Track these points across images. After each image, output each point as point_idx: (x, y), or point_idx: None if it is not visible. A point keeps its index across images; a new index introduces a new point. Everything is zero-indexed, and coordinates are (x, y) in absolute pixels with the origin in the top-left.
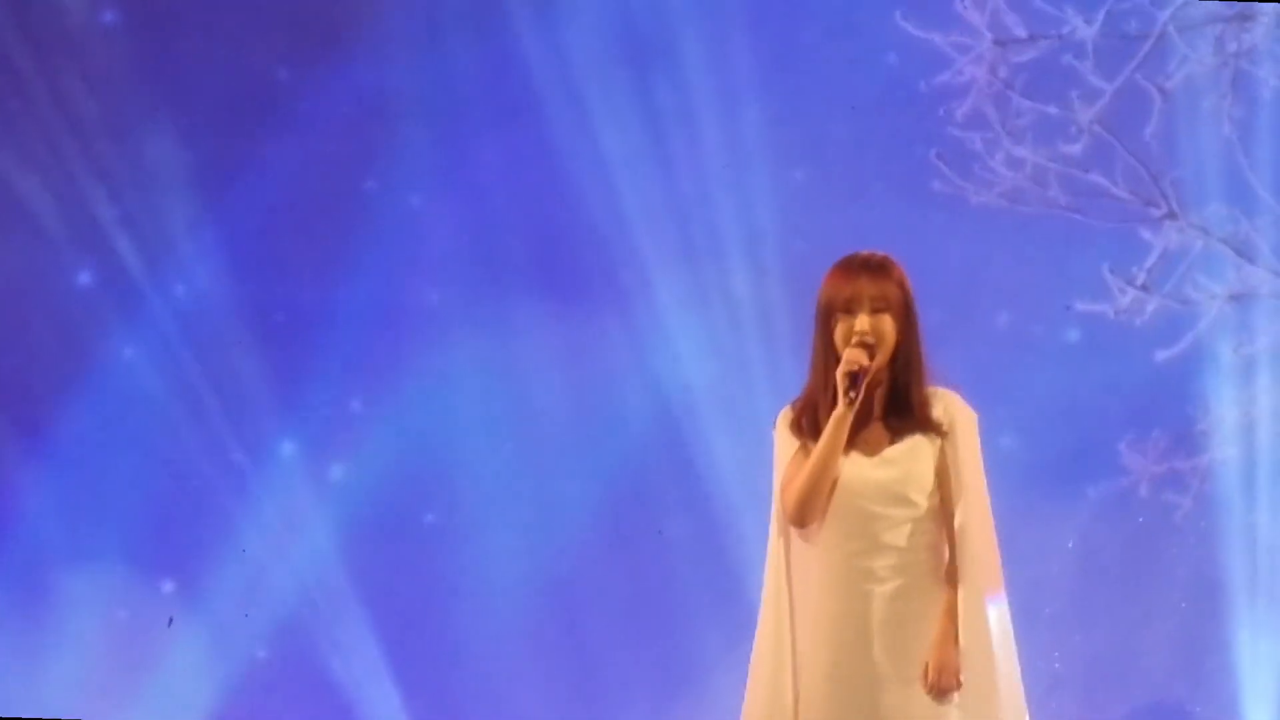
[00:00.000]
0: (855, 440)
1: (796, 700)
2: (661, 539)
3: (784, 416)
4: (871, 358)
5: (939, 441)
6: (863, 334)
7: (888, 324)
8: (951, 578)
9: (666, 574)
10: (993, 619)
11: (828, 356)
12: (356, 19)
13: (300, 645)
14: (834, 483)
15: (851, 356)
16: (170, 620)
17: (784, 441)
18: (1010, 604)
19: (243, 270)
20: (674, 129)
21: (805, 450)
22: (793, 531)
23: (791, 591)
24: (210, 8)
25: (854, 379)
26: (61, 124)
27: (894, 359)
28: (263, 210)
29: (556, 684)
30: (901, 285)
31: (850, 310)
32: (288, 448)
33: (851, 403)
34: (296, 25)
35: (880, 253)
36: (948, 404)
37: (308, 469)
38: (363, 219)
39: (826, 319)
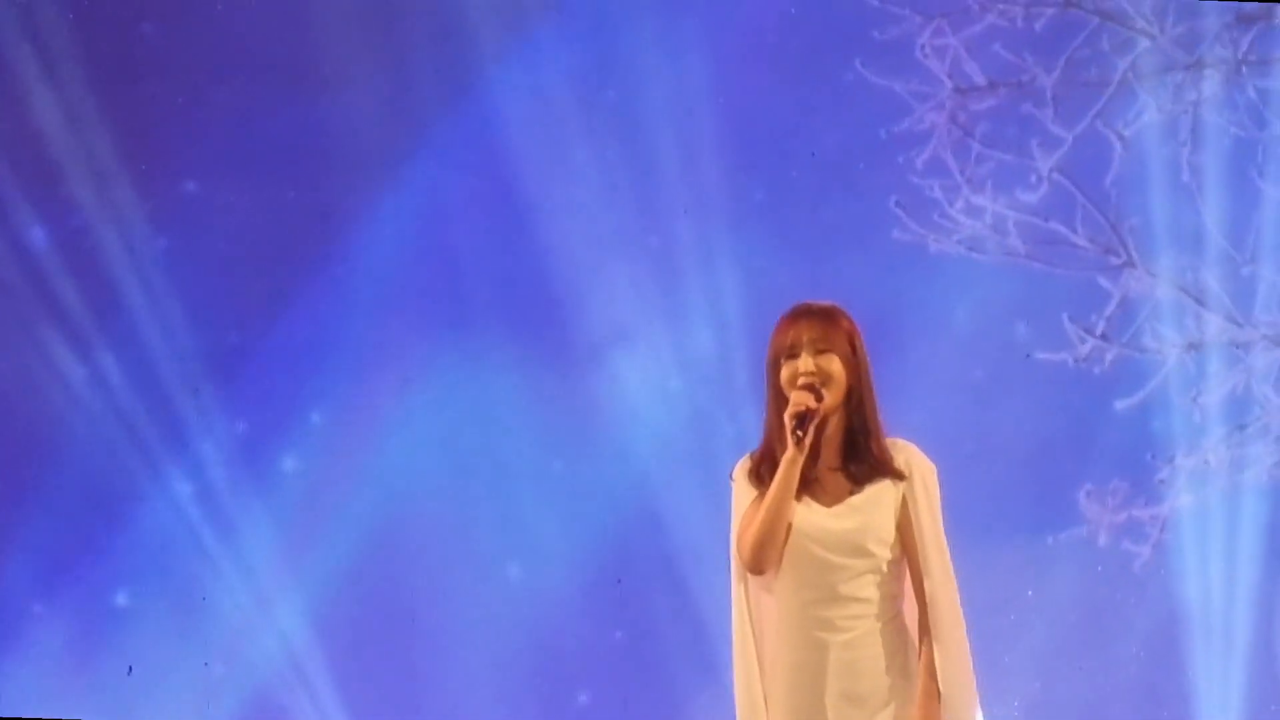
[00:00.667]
0: (814, 490)
1: None
2: (621, 588)
3: (742, 466)
4: (819, 399)
5: (900, 491)
6: (807, 374)
7: (835, 364)
8: (924, 632)
9: (626, 622)
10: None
11: (779, 404)
12: (315, 55)
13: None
14: (789, 528)
15: (797, 398)
16: (130, 669)
17: (742, 490)
18: (970, 652)
19: (204, 308)
20: (633, 177)
21: (761, 499)
22: (751, 579)
23: (757, 638)
24: (165, 44)
25: (801, 419)
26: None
27: (847, 404)
28: (224, 245)
29: None
30: (848, 332)
31: (794, 354)
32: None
33: (799, 442)
34: (255, 62)
35: (826, 301)
36: (908, 455)
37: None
38: (325, 261)
39: (774, 367)
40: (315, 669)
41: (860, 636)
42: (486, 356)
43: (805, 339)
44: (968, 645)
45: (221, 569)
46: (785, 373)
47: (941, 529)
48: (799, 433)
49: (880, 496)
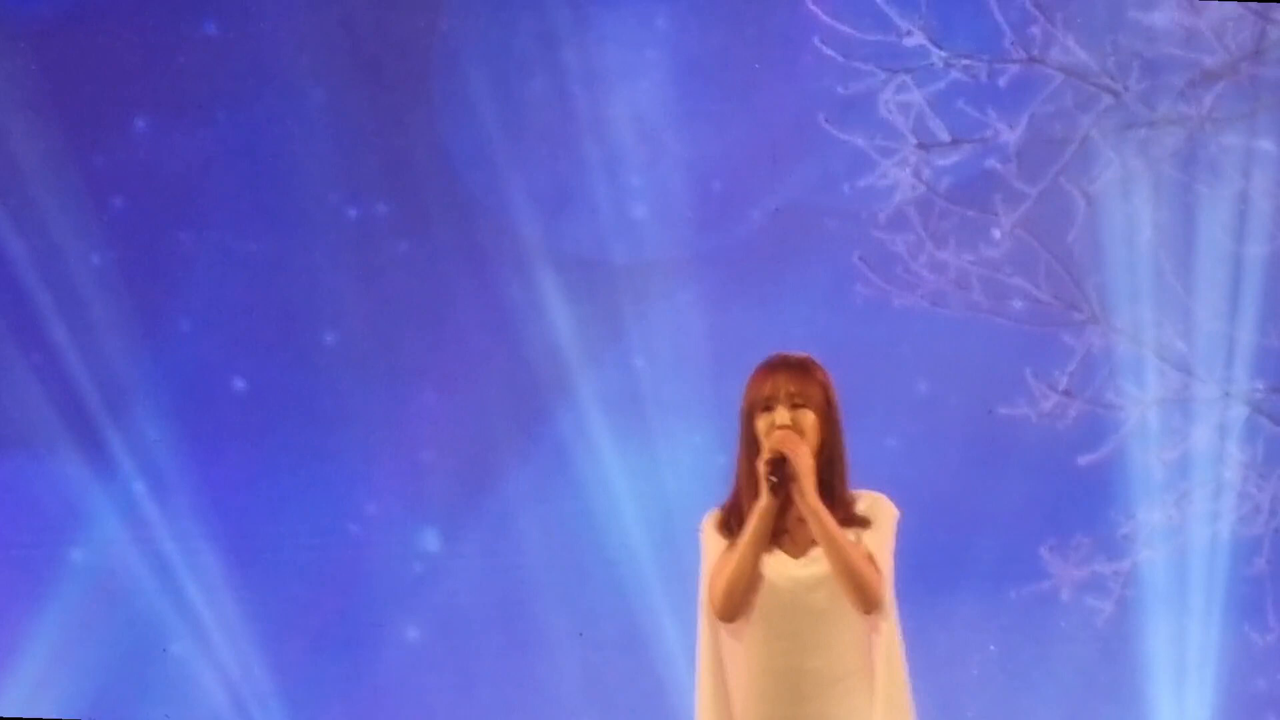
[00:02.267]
0: (782, 540)
1: None
2: (582, 640)
3: (710, 518)
4: (797, 447)
5: (862, 536)
6: (783, 427)
7: (809, 419)
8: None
9: (587, 676)
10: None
11: (751, 456)
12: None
13: None
14: (760, 577)
15: (773, 444)
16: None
17: (711, 541)
18: (933, 706)
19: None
20: (596, 227)
21: (732, 548)
22: (721, 630)
23: (725, 690)
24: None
25: (776, 468)
26: None
27: (818, 456)
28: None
29: None
30: (823, 385)
31: (770, 407)
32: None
33: (773, 489)
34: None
35: (803, 354)
36: (872, 501)
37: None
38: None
39: (749, 418)
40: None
41: (830, 685)
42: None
43: (782, 392)
44: (907, 691)
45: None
46: (761, 424)
47: (890, 570)
48: (772, 479)
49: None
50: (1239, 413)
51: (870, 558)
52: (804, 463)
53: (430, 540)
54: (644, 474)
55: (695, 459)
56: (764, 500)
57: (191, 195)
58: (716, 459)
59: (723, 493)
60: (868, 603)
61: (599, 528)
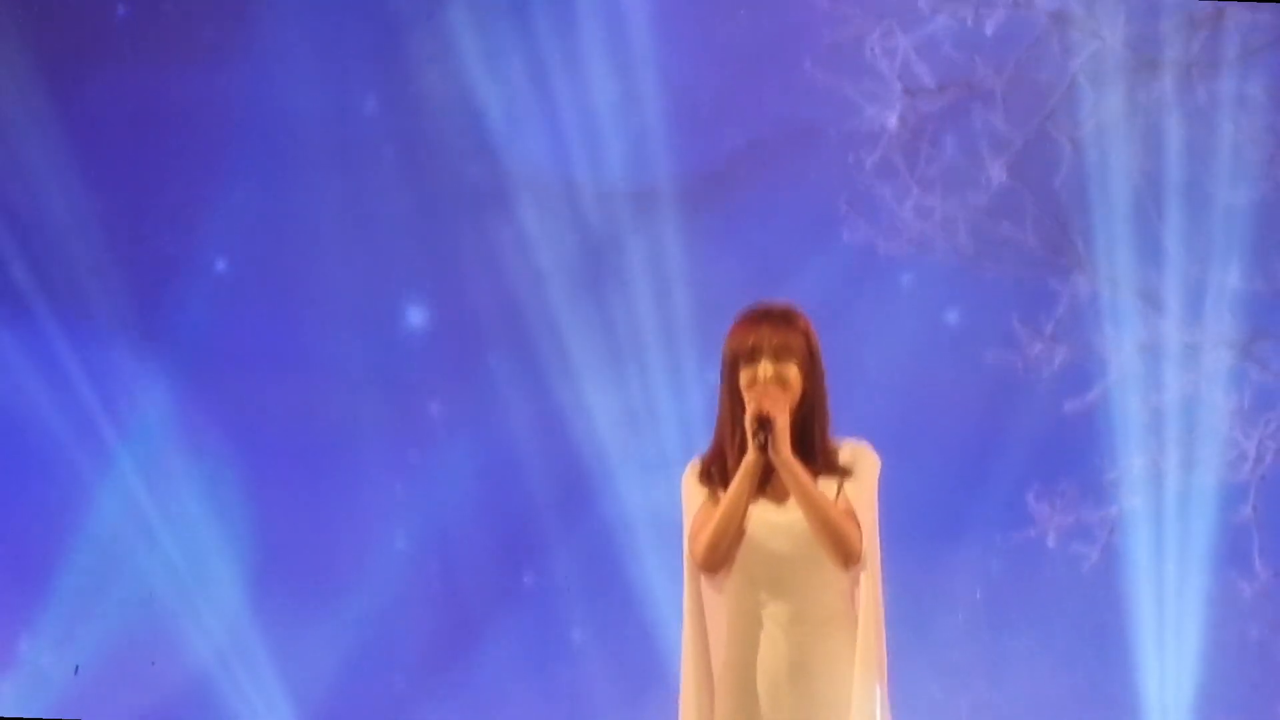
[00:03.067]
0: (762, 488)
1: None
2: (568, 591)
3: (692, 468)
4: (776, 405)
5: (842, 485)
6: (767, 380)
7: (791, 372)
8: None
9: (571, 622)
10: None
11: (734, 407)
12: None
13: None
14: (743, 528)
15: (756, 403)
16: (76, 669)
17: (692, 491)
18: (919, 651)
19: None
20: (581, 171)
21: (714, 498)
22: (704, 580)
23: (706, 639)
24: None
25: (764, 425)
26: None
27: (799, 407)
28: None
29: None
30: (806, 334)
31: (753, 359)
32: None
33: (762, 448)
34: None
35: (785, 302)
36: (855, 450)
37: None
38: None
39: (732, 369)
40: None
41: (811, 634)
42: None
43: (766, 344)
44: (881, 635)
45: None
46: (744, 377)
47: (873, 518)
48: (760, 437)
49: (825, 491)
50: (1225, 359)
51: (849, 512)
52: (781, 420)
53: (414, 456)
54: (630, 420)
55: (681, 409)
56: (751, 455)
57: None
58: (701, 411)
59: (703, 428)
60: (845, 557)
61: (586, 475)
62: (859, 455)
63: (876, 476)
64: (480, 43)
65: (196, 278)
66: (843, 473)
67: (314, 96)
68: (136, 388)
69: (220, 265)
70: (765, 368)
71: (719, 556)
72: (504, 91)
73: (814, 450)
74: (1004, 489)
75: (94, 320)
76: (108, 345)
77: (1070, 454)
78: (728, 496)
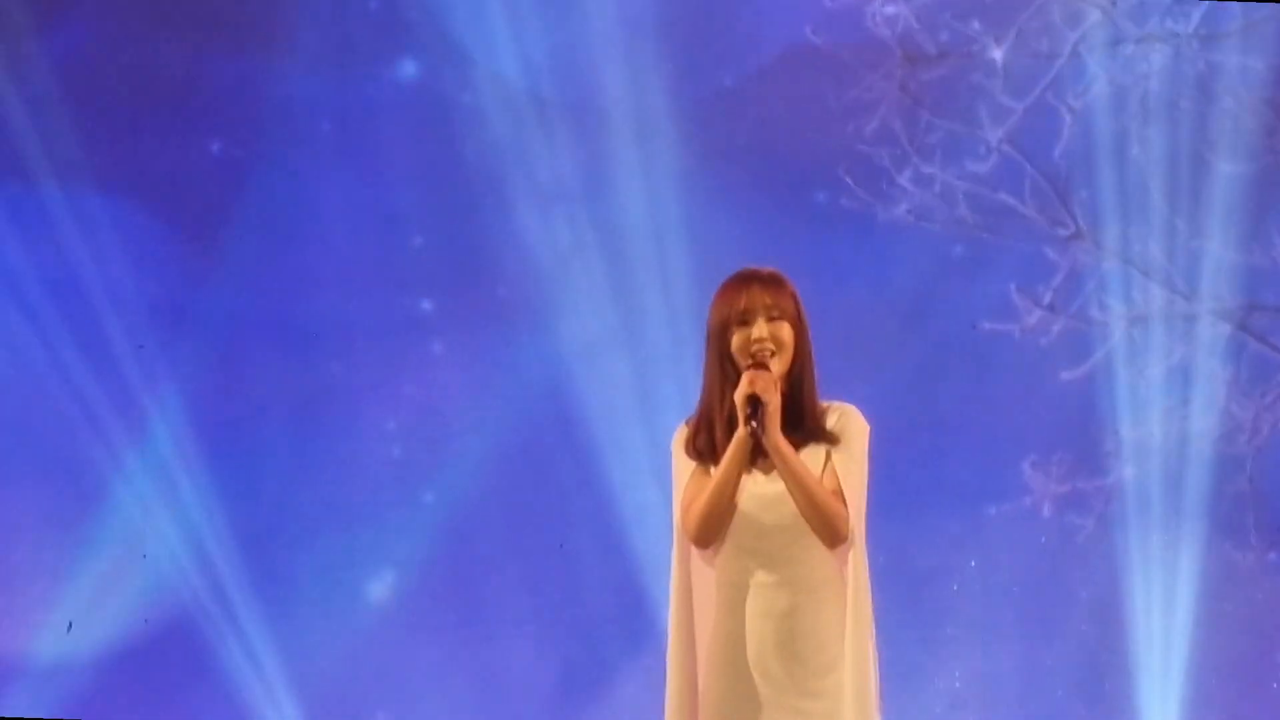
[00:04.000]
0: (752, 460)
1: None
2: (562, 552)
3: (679, 436)
4: (768, 388)
5: (828, 451)
6: (761, 340)
7: (786, 331)
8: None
9: (568, 586)
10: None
11: (723, 373)
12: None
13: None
14: (735, 504)
15: (747, 385)
16: (70, 625)
17: (681, 462)
18: (911, 622)
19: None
20: (578, 141)
21: (703, 470)
22: (693, 551)
23: (693, 611)
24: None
25: (755, 405)
26: None
27: (789, 371)
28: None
29: (459, 696)
30: (794, 298)
31: (746, 321)
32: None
33: (753, 431)
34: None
35: (770, 267)
36: (842, 414)
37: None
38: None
39: (721, 334)
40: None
41: (800, 603)
42: (427, 325)
43: (759, 304)
44: (869, 607)
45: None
46: (736, 339)
47: (862, 490)
48: (753, 423)
49: (811, 459)
50: (1223, 330)
51: (837, 492)
52: (773, 402)
53: (391, 425)
54: (624, 387)
55: (677, 373)
56: (741, 433)
57: None
58: (697, 375)
59: (692, 387)
60: (833, 538)
61: (580, 438)
62: (847, 421)
63: (866, 443)
64: None
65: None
66: (830, 439)
67: None
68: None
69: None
70: (760, 327)
71: (711, 532)
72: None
73: (802, 414)
74: (1000, 458)
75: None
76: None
77: (1067, 424)
78: (718, 474)
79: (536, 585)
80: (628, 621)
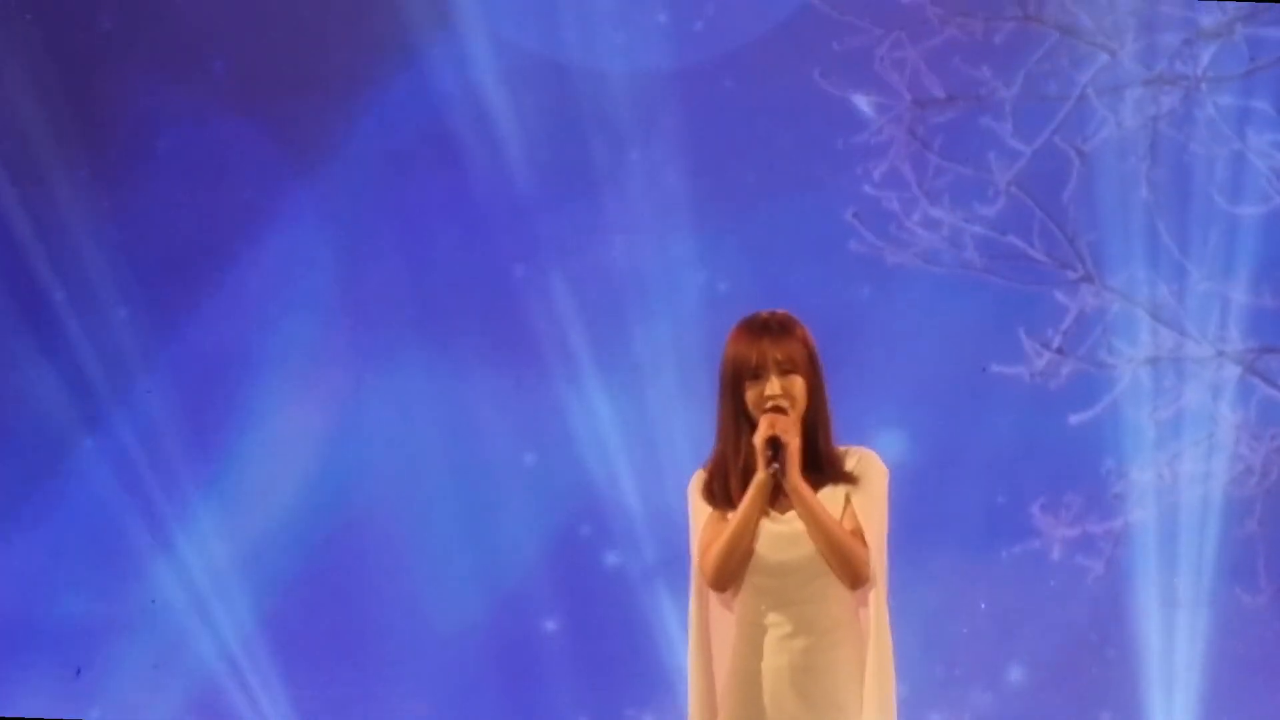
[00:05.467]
0: (769, 500)
1: None
2: (573, 595)
3: (696, 481)
4: (788, 430)
5: (848, 493)
6: (774, 397)
7: (798, 385)
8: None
9: (573, 625)
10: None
11: (737, 421)
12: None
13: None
14: (752, 547)
15: (766, 429)
16: (78, 670)
17: (698, 507)
18: (921, 664)
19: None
20: (592, 182)
21: (719, 515)
22: (711, 595)
23: (710, 649)
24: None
25: (775, 448)
26: None
27: (804, 418)
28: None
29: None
30: (806, 343)
31: (758, 375)
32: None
33: (774, 474)
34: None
35: (781, 311)
36: (861, 458)
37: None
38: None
39: (735, 384)
40: (263, 669)
41: (816, 643)
42: (447, 353)
43: (770, 360)
44: (890, 649)
45: (171, 569)
46: (751, 394)
47: (883, 532)
48: (774, 465)
49: (830, 501)
50: (1232, 373)
51: (857, 533)
52: (793, 445)
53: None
54: (638, 429)
55: (691, 412)
56: (760, 477)
57: None
58: (712, 416)
59: (702, 428)
60: (854, 580)
61: (591, 480)
62: (867, 465)
63: (886, 486)
64: None
65: None
66: (849, 479)
67: None
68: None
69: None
70: (773, 384)
71: (728, 576)
72: None
73: (819, 457)
74: (1009, 501)
75: None
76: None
77: (1076, 467)
78: (737, 517)
79: (553, 620)
80: (639, 667)
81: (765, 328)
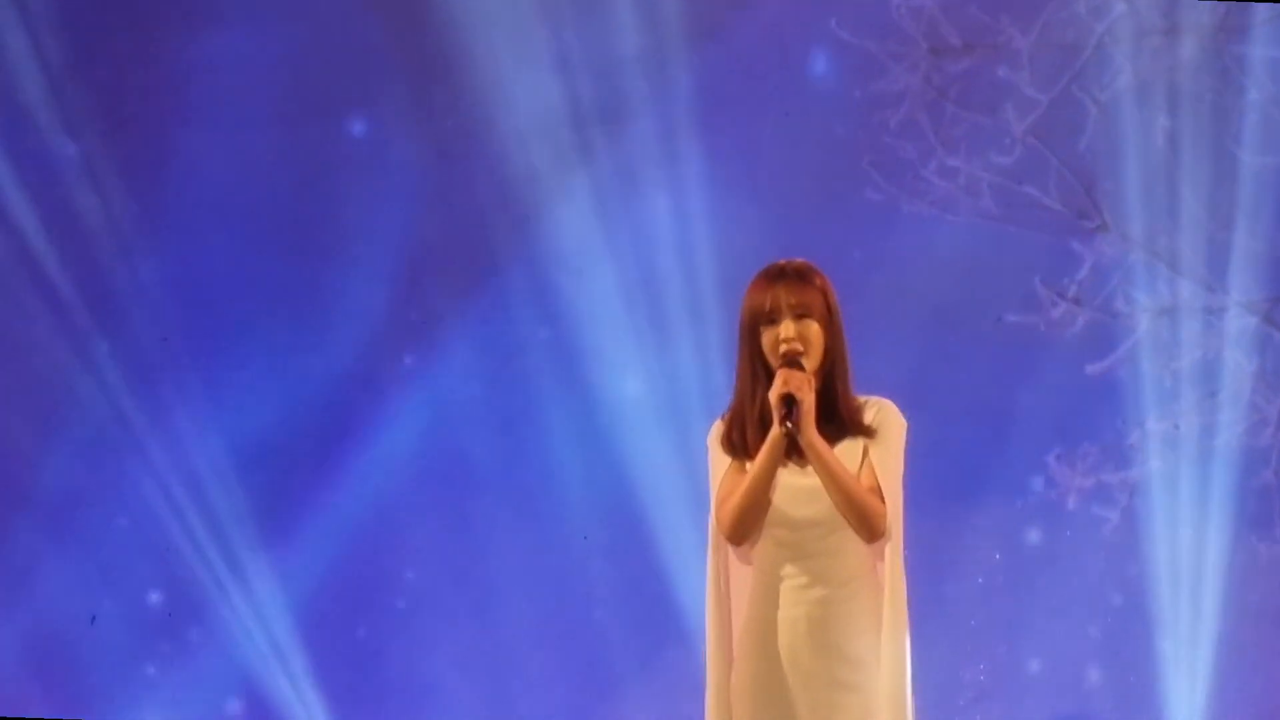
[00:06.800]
0: (786, 454)
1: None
2: (587, 544)
3: (715, 431)
4: (802, 369)
5: (866, 446)
6: (789, 340)
7: (813, 330)
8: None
9: (591, 579)
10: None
11: (754, 369)
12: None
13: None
14: (769, 501)
15: (781, 385)
16: (93, 618)
17: (716, 458)
18: (936, 614)
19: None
20: (603, 132)
21: (738, 466)
22: (728, 548)
23: (729, 601)
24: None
25: (790, 405)
26: None
27: (821, 366)
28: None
29: (478, 690)
30: (824, 292)
31: (773, 320)
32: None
33: (788, 431)
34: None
35: (800, 260)
36: (880, 409)
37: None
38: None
39: (751, 331)
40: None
41: (832, 594)
42: (447, 316)
43: (784, 304)
44: (905, 602)
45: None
46: (766, 339)
47: (898, 484)
48: (788, 424)
49: (848, 453)
50: (1248, 323)
51: (874, 488)
52: (808, 401)
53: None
54: (652, 382)
55: (704, 367)
56: (775, 433)
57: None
58: (724, 368)
59: (726, 393)
60: (871, 534)
61: (610, 432)
62: (885, 416)
63: (903, 439)
64: None
65: None
66: (867, 432)
67: None
68: None
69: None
70: (787, 327)
71: (744, 530)
72: None
73: (836, 408)
74: (1025, 451)
75: None
76: None
77: (1092, 417)
78: (753, 473)
79: (556, 582)
80: (652, 615)
81: (782, 274)
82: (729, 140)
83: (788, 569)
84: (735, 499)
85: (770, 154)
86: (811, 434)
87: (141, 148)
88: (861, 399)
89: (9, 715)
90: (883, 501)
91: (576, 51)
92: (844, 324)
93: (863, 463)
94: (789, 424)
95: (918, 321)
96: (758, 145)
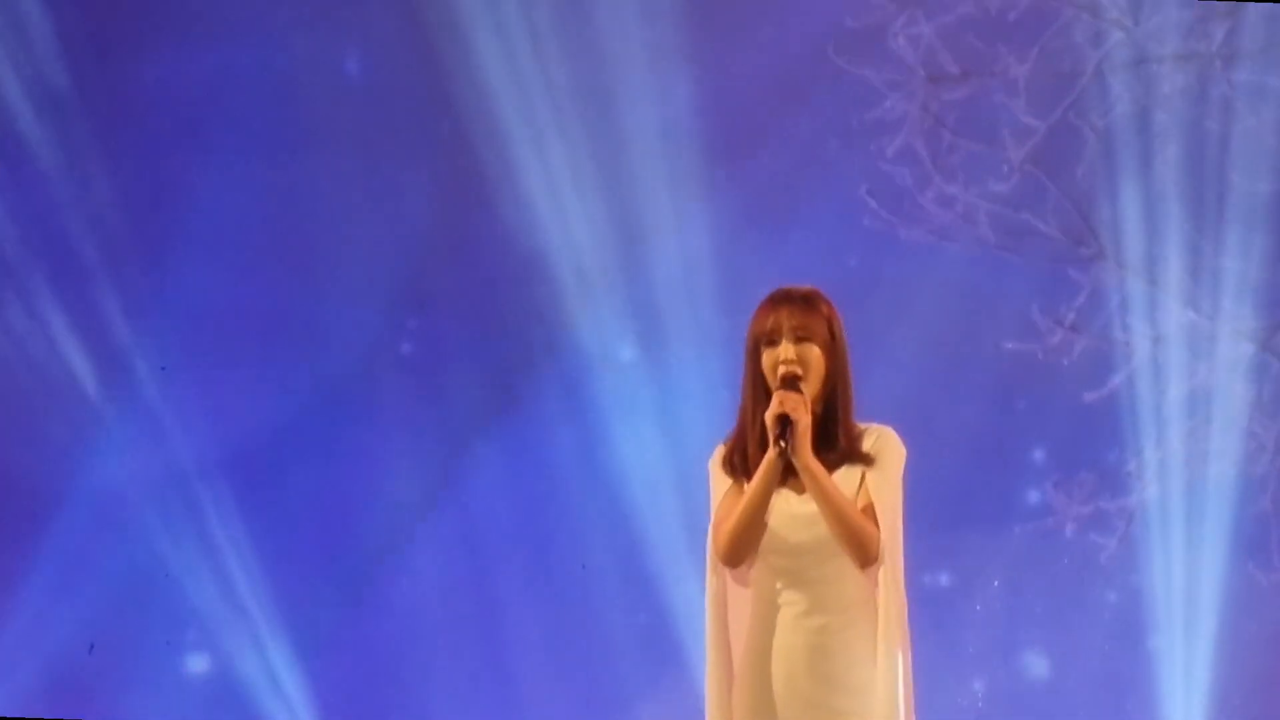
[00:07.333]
0: (784, 479)
1: None
2: (584, 572)
3: (717, 454)
4: (800, 392)
5: (865, 474)
6: (788, 362)
7: (814, 354)
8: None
9: (589, 607)
10: (901, 665)
11: (756, 392)
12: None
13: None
14: (765, 524)
15: (777, 405)
16: (91, 647)
17: (717, 479)
18: (934, 641)
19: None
20: (602, 162)
21: (737, 488)
22: (725, 571)
23: (727, 626)
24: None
25: (785, 425)
26: None
27: (822, 390)
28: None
29: (479, 714)
30: (829, 319)
31: (774, 341)
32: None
33: (782, 452)
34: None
35: (808, 286)
36: (879, 436)
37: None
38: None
39: (754, 352)
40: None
41: (830, 622)
42: (447, 340)
43: (785, 326)
44: (905, 628)
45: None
46: (766, 360)
47: (897, 511)
48: (782, 443)
49: (846, 480)
50: (1245, 350)
51: (869, 511)
52: (803, 422)
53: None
54: (651, 407)
55: (706, 393)
56: (771, 454)
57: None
58: (725, 394)
59: (730, 422)
60: (864, 560)
61: (607, 460)
62: (884, 443)
63: (901, 465)
64: None
65: None
66: (866, 460)
67: None
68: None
69: None
70: (786, 349)
71: (739, 552)
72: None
73: (836, 434)
74: (1022, 478)
75: None
76: None
77: (1089, 444)
78: (748, 494)
79: (558, 605)
80: (650, 643)
81: (787, 297)
82: (725, 167)
83: (786, 595)
84: (731, 522)
85: (768, 181)
86: (806, 455)
87: (137, 164)
88: (862, 426)
89: (9, 715)
90: (876, 526)
91: (563, 84)
92: (846, 350)
93: (860, 489)
94: (783, 443)
95: (915, 349)
96: (754, 171)
